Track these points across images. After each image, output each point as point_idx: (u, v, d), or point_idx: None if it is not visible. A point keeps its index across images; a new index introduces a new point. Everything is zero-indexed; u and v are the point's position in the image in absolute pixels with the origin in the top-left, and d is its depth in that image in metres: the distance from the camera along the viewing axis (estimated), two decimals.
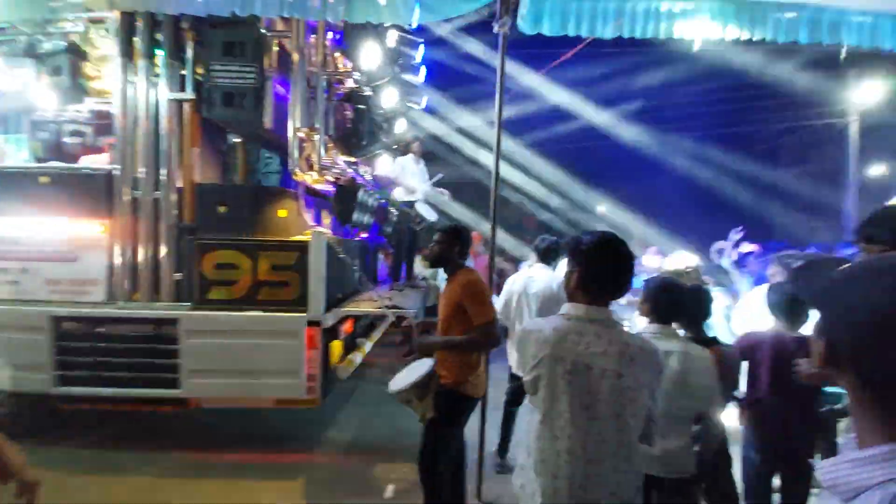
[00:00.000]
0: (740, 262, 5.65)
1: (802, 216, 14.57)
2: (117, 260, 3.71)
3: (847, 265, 0.68)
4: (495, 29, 2.82)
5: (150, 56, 3.74)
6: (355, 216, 4.75)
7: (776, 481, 2.41)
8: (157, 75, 3.73)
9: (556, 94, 10.86)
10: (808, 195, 14.11)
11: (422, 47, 6.68)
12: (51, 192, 3.70)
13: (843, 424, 2.61)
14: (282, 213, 4.07)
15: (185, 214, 3.79)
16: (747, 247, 5.76)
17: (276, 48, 4.09)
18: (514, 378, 3.65)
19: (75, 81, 4.24)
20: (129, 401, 3.64)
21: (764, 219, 14.68)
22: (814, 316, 0.71)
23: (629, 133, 13.18)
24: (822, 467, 0.64)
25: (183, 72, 3.76)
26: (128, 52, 3.73)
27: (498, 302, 3.66)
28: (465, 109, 10.33)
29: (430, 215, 5.52)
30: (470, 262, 2.87)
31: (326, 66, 4.83)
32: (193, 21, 3.68)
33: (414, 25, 5.03)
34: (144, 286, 3.72)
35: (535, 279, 3.64)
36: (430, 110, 8.47)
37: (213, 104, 3.67)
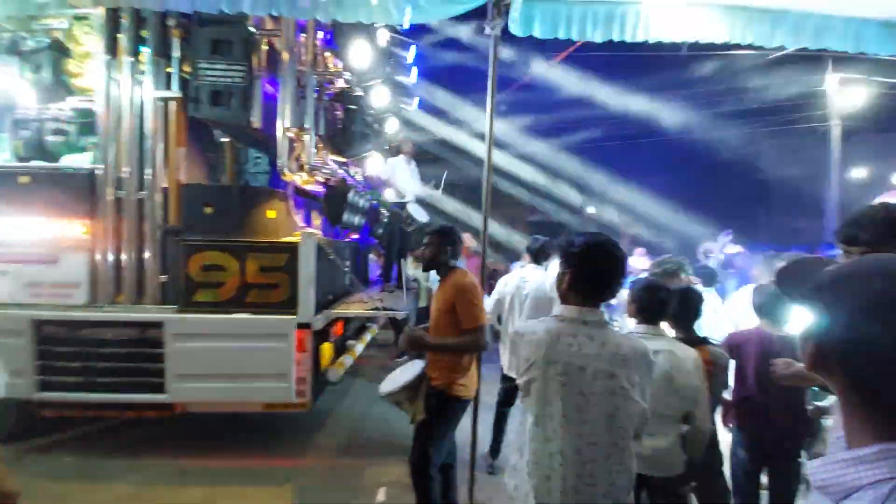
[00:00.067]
0: (727, 263, 5.73)
1: (786, 218, 14.84)
2: (100, 262, 3.63)
3: (833, 267, 0.69)
4: (486, 31, 2.82)
5: (136, 53, 3.67)
6: (346, 217, 4.71)
7: (764, 478, 2.44)
8: (142, 73, 3.66)
9: (547, 94, 10.94)
10: (791, 197, 14.38)
11: (413, 48, 6.67)
12: (32, 193, 3.62)
13: (830, 422, 2.63)
14: (271, 213, 4.02)
15: (170, 215, 3.72)
16: (733, 248, 5.85)
17: (265, 47, 4.04)
18: (505, 379, 3.64)
19: (58, 79, 4.17)
20: (114, 406, 3.56)
21: (748, 220, 14.92)
22: (799, 315, 0.72)
23: (616, 134, 13.32)
24: (813, 467, 0.64)
25: (169, 70, 3.70)
26: (112, 50, 3.66)
27: (490, 302, 3.65)
28: (457, 109, 10.33)
29: (422, 216, 5.50)
30: (462, 263, 2.86)
31: (317, 66, 4.78)
32: (180, 18, 3.62)
33: (406, 26, 5.01)
34: (128, 289, 3.64)
35: (527, 280, 3.64)
36: (422, 109, 8.45)
37: (199, 103, 3.61)
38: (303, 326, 3.53)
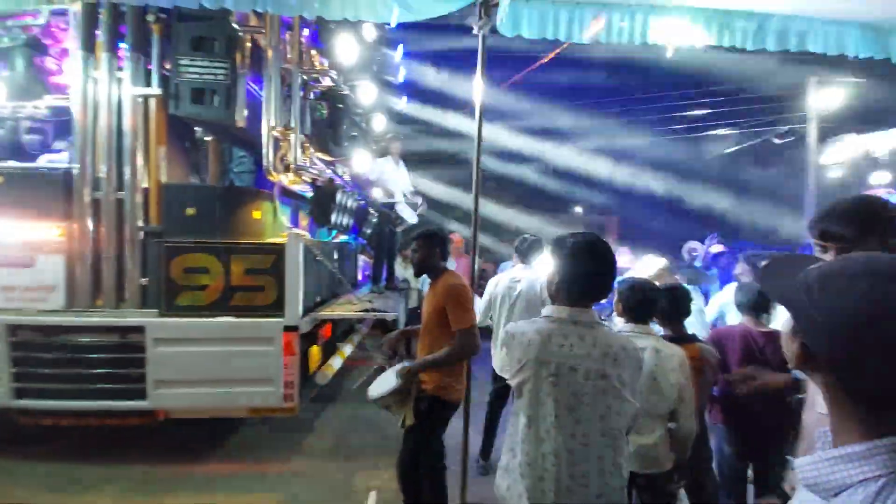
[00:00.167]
0: (710, 262, 5.82)
1: (767, 217, 15.14)
2: (77, 264, 3.52)
3: (817, 266, 0.68)
4: (474, 31, 2.82)
5: (114, 50, 3.57)
6: (334, 218, 4.64)
7: (750, 473, 2.47)
8: (120, 69, 3.56)
9: (529, 99, 11.01)
10: (771, 197, 14.67)
11: (401, 47, 6.62)
12: (5, 193, 3.50)
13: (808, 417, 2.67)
14: (256, 214, 3.94)
15: (151, 216, 3.63)
16: (716, 247, 5.94)
17: (248, 44, 3.96)
18: (497, 379, 3.62)
19: (34, 76, 4.04)
20: (93, 414, 3.44)
21: (729, 220, 15.19)
22: (782, 313, 0.72)
23: (600, 136, 13.44)
24: (801, 465, 0.65)
25: (149, 66, 3.60)
26: (90, 46, 3.55)
27: (480, 303, 3.63)
28: (448, 108, 10.31)
29: (411, 217, 5.45)
30: (452, 264, 2.83)
31: (303, 64, 4.70)
32: (159, 13, 3.53)
33: (393, 25, 4.95)
34: (107, 292, 3.53)
35: (517, 280, 3.62)
36: (410, 109, 8.39)
37: (180, 100, 3.52)
38: (290, 329, 3.47)
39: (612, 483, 1.50)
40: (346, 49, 4.83)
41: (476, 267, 3.06)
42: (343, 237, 5.68)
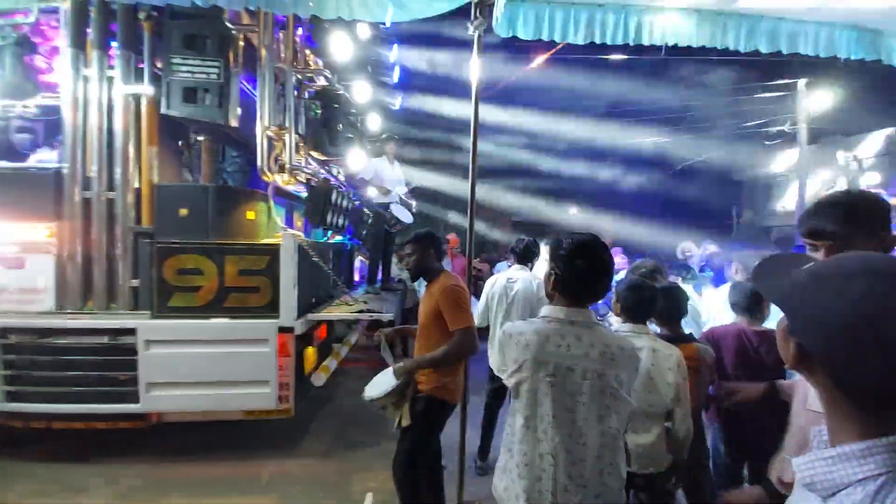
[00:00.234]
0: (704, 263, 5.86)
1: (758, 218, 15.28)
2: (68, 266, 3.47)
3: (811, 265, 0.68)
4: (470, 31, 2.82)
5: (105, 48, 3.52)
6: (329, 218, 4.61)
7: (745, 472, 2.47)
8: (111, 68, 3.51)
9: (528, 95, 11.03)
10: (763, 198, 14.80)
11: (396, 47, 6.61)
12: None
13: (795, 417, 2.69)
14: (250, 215, 3.91)
15: (142, 216, 3.58)
16: (710, 248, 5.99)
17: (241, 43, 3.93)
18: (494, 379, 3.61)
19: (24, 75, 3.98)
20: (84, 417, 3.40)
21: (722, 221, 15.32)
22: (777, 312, 0.71)
23: (592, 136, 13.51)
24: (799, 464, 0.64)
25: (140, 65, 3.56)
26: (80, 44, 3.51)
27: (479, 306, 3.62)
28: (443, 107, 10.30)
29: (406, 217, 5.43)
30: (447, 264, 2.82)
31: (297, 64, 4.67)
32: (151, 11, 3.49)
33: (388, 24, 4.94)
34: (99, 294, 3.49)
35: (514, 280, 3.62)
36: (405, 109, 8.39)
37: (172, 99, 3.48)
38: (285, 330, 3.44)
39: (610, 483, 1.50)
40: (340, 48, 4.81)
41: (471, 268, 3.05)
42: (338, 238, 5.65)
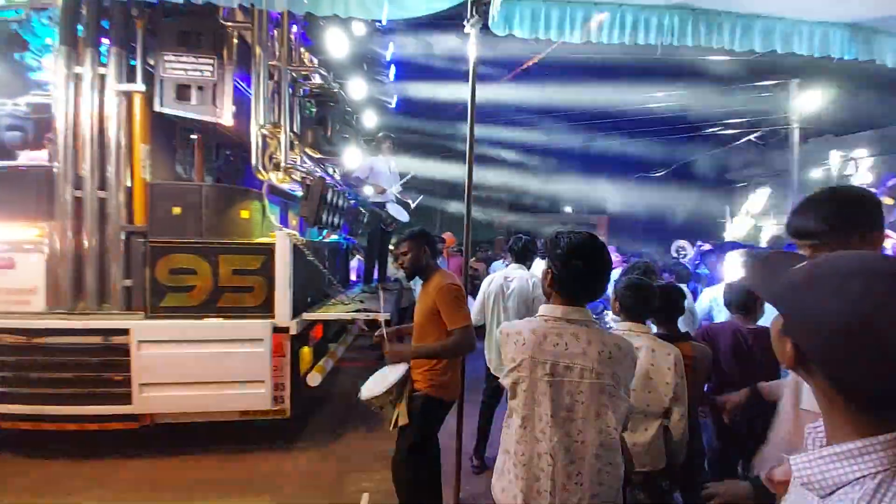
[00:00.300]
0: (699, 261, 5.88)
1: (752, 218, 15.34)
2: (59, 266, 3.42)
3: (806, 264, 0.67)
4: (466, 29, 2.81)
5: (97, 45, 3.48)
6: (324, 217, 4.58)
7: (740, 469, 2.48)
8: (103, 65, 3.47)
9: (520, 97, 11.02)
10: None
11: (392, 45, 6.57)
12: None
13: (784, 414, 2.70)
14: (244, 214, 3.87)
15: (135, 216, 3.54)
16: (704, 246, 6.03)
17: (235, 40, 3.89)
18: (491, 378, 3.60)
19: (15, 72, 3.93)
20: (76, 419, 3.36)
21: (714, 220, 15.40)
22: (772, 311, 0.70)
23: (585, 137, 13.56)
24: (796, 463, 0.64)
25: (133, 62, 3.52)
26: (72, 41, 3.46)
27: (476, 304, 3.61)
28: (440, 107, 10.27)
29: (402, 216, 5.40)
30: (443, 263, 2.80)
31: (292, 61, 4.63)
32: (143, 8, 3.45)
33: (384, 22, 4.90)
34: (90, 294, 3.45)
35: (510, 279, 3.61)
36: (401, 107, 8.35)
37: (165, 97, 3.44)
38: (279, 330, 3.42)
39: (608, 482, 1.49)
40: (335, 46, 4.78)
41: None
42: (334, 236, 5.62)
